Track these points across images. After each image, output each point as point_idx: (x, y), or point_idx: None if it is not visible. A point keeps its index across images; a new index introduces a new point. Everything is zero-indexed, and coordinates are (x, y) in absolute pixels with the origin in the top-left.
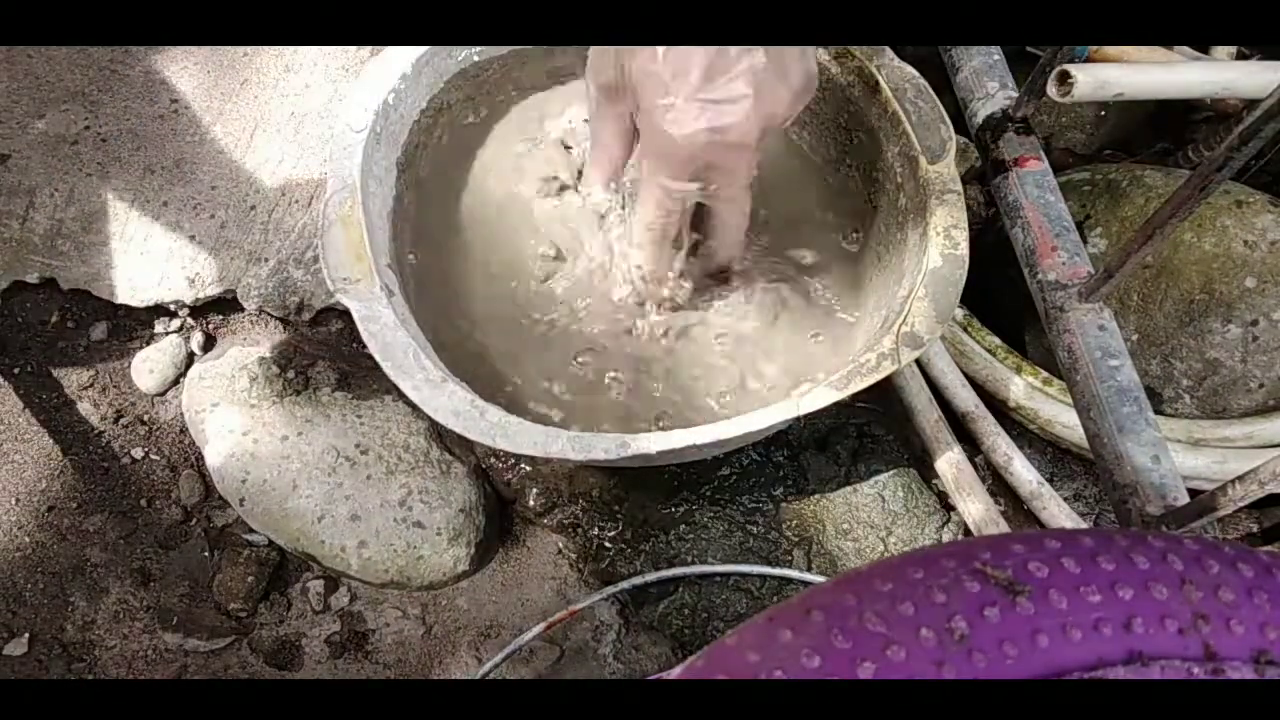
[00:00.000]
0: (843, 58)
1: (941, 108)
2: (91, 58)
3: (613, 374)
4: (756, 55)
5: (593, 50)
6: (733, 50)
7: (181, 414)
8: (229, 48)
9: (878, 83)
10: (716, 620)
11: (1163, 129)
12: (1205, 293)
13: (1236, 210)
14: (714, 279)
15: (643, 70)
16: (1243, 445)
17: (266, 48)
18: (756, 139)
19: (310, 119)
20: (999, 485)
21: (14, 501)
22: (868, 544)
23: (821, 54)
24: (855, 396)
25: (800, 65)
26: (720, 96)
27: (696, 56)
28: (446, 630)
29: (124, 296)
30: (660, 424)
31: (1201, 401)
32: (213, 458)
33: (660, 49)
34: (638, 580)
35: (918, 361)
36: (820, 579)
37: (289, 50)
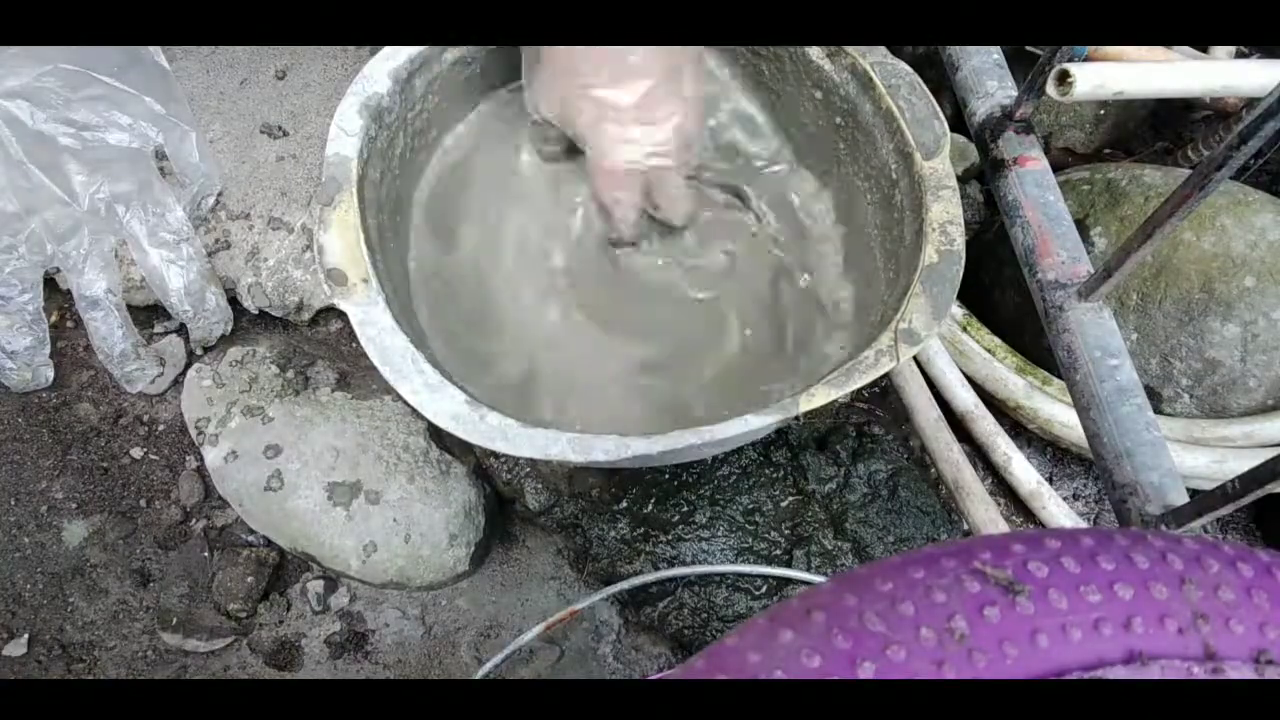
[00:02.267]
0: (836, 55)
1: (935, 104)
2: None
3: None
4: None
5: (533, 87)
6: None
7: (181, 414)
8: (228, 47)
9: (871, 79)
10: (716, 620)
11: (1162, 128)
12: (1204, 292)
13: (1236, 210)
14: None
15: (590, 115)
16: (1242, 445)
17: (266, 47)
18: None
19: (309, 119)
20: (999, 485)
21: (14, 501)
22: (868, 544)
23: (814, 52)
24: (854, 396)
25: (693, 84)
26: (648, 133)
27: (626, 98)
28: (446, 630)
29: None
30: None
31: (1201, 401)
32: (212, 458)
33: (601, 92)
34: (638, 580)
35: (917, 361)
36: (820, 579)
37: (288, 50)
